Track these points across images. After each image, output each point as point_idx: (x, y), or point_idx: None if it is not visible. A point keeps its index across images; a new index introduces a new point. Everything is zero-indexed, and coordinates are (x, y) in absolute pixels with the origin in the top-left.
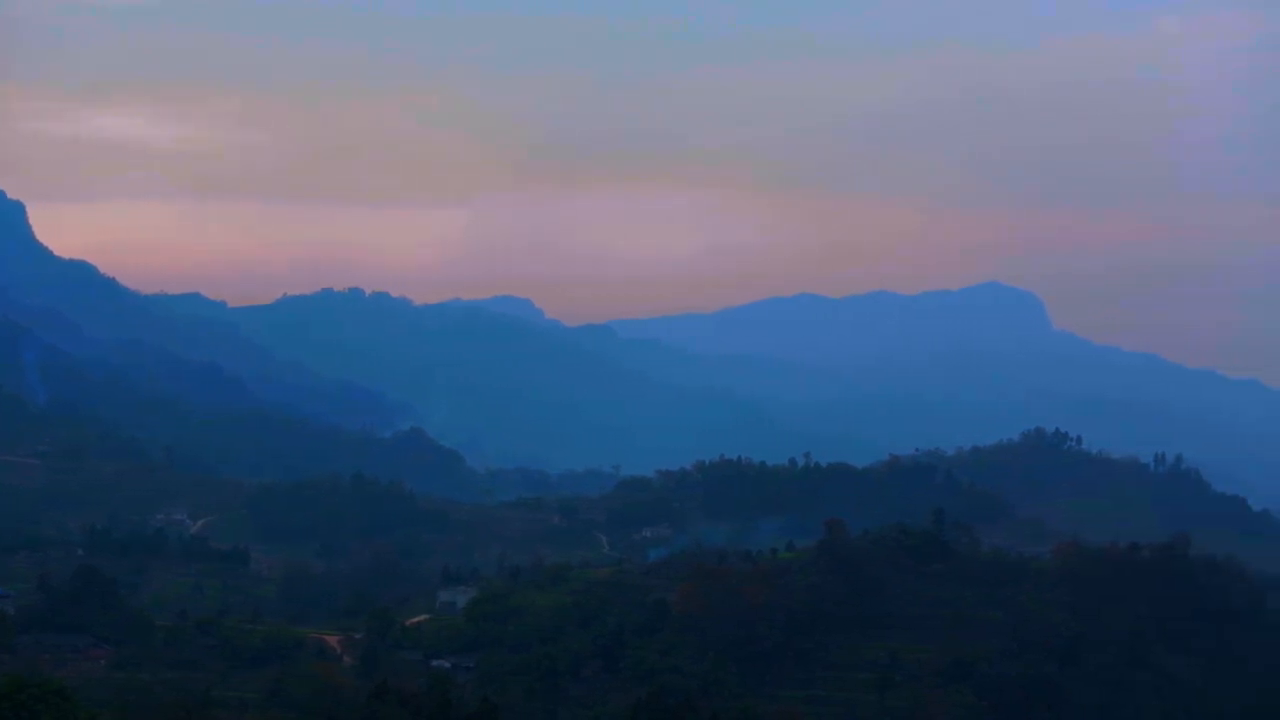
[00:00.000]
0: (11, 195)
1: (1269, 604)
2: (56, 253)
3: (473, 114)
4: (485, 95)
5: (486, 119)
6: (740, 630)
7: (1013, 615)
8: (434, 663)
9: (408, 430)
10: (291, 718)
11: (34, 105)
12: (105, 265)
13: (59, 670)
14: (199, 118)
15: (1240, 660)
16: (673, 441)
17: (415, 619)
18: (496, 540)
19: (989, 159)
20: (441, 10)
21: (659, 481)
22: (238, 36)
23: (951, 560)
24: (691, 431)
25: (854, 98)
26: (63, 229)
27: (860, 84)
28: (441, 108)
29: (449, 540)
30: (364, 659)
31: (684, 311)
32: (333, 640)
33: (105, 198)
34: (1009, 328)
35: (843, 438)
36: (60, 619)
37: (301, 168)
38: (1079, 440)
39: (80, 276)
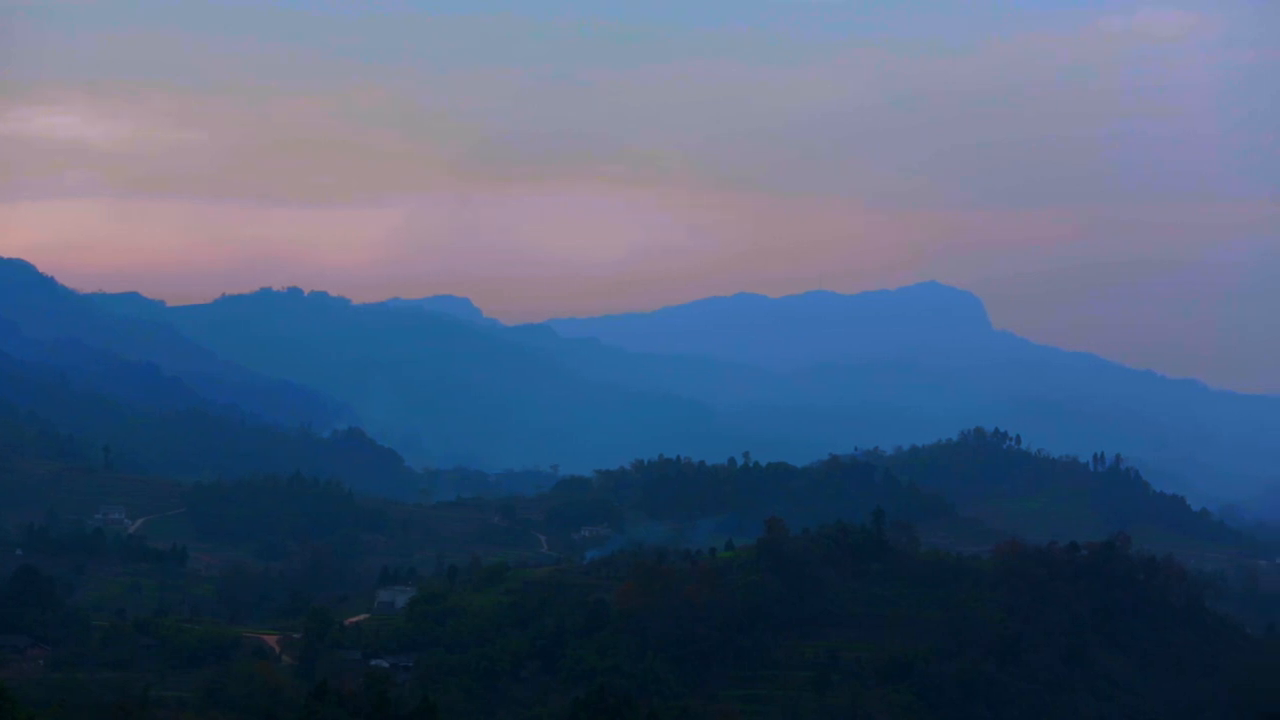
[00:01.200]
0: None
1: (1207, 603)
2: None
3: (411, 114)
4: (424, 95)
5: (425, 119)
6: (679, 629)
7: (952, 614)
8: (373, 662)
9: (346, 430)
10: (230, 717)
11: None
12: (43, 265)
13: None
14: (137, 117)
15: (1178, 659)
16: (612, 441)
17: (354, 618)
18: (435, 540)
19: (928, 159)
20: (380, 10)
21: (598, 481)
22: (176, 36)
23: (891, 559)
24: (631, 431)
25: (793, 98)
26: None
27: (799, 84)
28: (380, 107)
29: (387, 540)
30: (302, 658)
31: (622, 311)
32: (271, 640)
33: (43, 197)
34: (948, 328)
35: (782, 438)
36: None
37: (240, 167)
38: (1018, 440)
39: (18, 276)
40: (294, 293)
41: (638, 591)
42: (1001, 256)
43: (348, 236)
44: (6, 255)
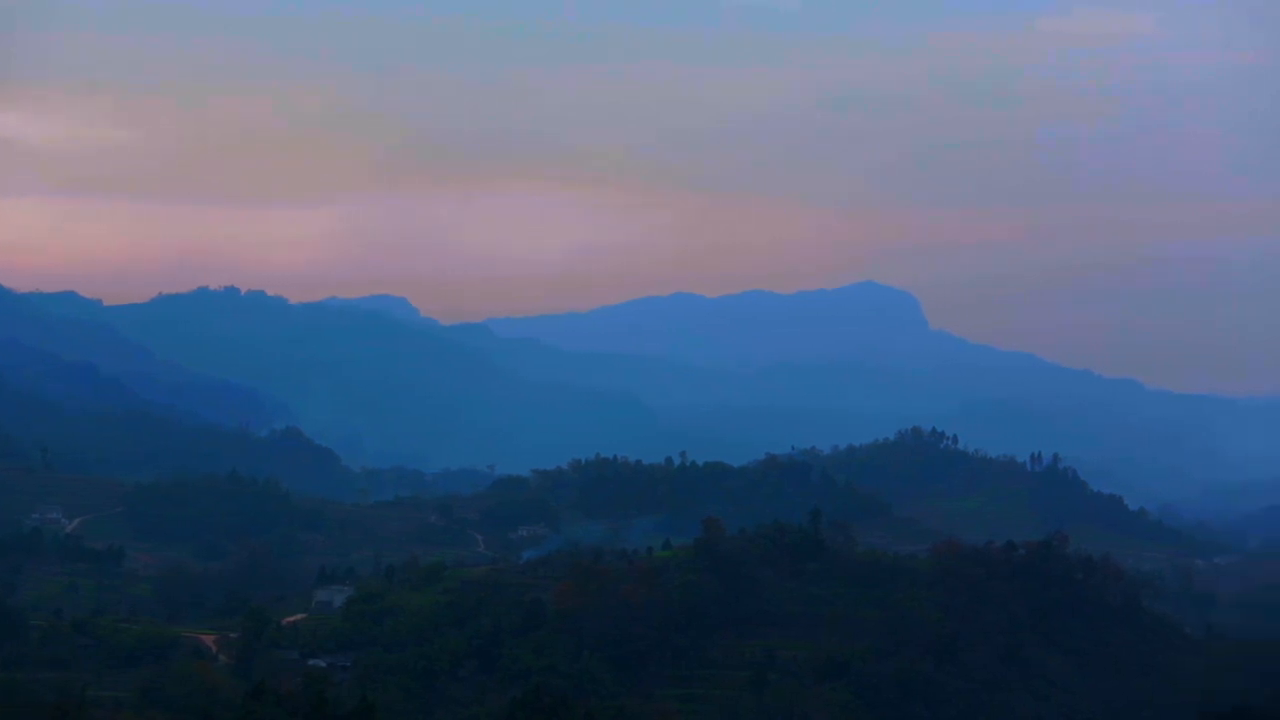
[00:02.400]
0: None
1: (1144, 603)
2: None
3: (347, 114)
4: (360, 95)
5: (361, 119)
6: (617, 629)
7: (889, 614)
8: (310, 662)
9: (284, 429)
10: (167, 717)
11: None
12: None
13: None
14: (73, 116)
15: (1115, 659)
16: (550, 440)
17: (292, 618)
18: (372, 539)
19: (866, 159)
20: (317, 10)
21: (535, 480)
22: (112, 35)
23: (828, 559)
24: (568, 430)
25: (730, 98)
26: None
27: (737, 84)
28: (317, 107)
29: (325, 539)
30: (240, 658)
31: (560, 311)
32: (208, 639)
33: None
34: (886, 327)
35: (719, 437)
36: None
37: (177, 167)
38: (955, 439)
39: None
40: (231, 292)
41: (575, 591)
42: (939, 257)
43: (285, 236)
44: None
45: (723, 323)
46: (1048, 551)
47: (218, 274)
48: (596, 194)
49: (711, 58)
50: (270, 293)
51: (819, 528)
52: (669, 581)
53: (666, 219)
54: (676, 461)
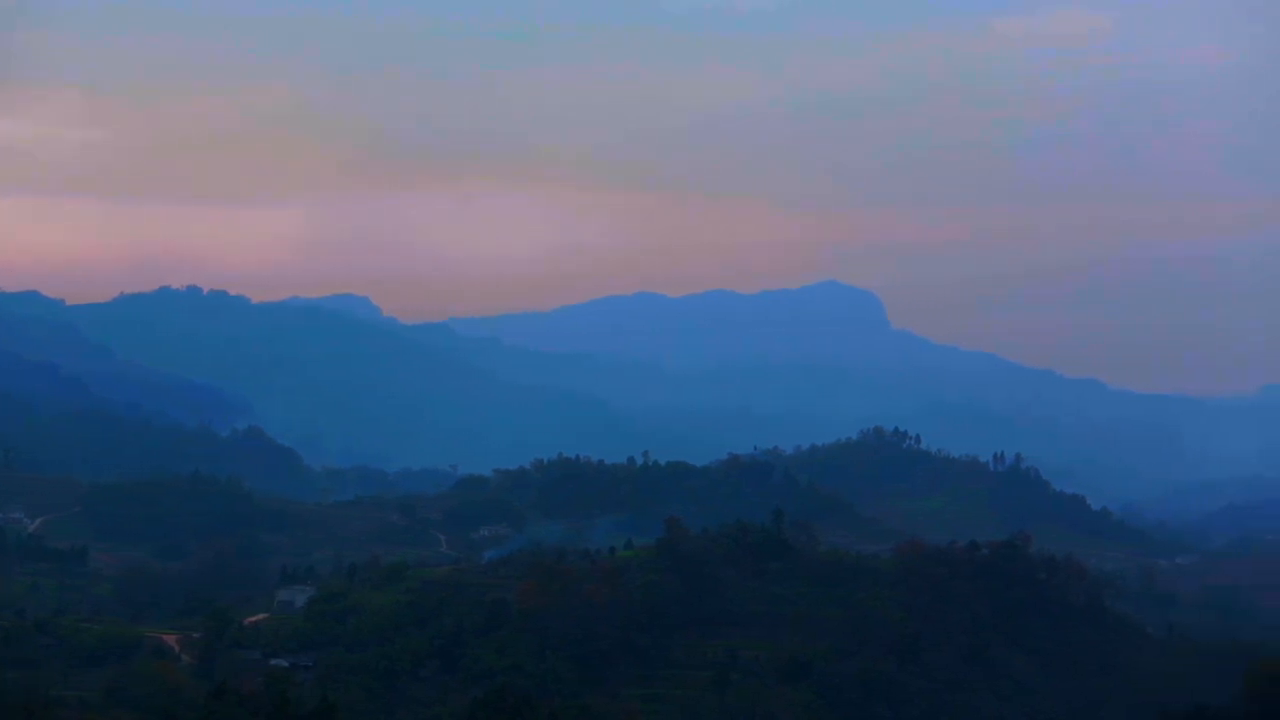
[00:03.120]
0: None
1: (1107, 602)
2: None
3: (310, 113)
4: (322, 94)
5: (323, 118)
6: (579, 629)
7: (852, 613)
8: (272, 661)
9: (246, 429)
10: (130, 717)
11: None
12: None
13: None
14: (35, 116)
15: (1078, 658)
16: (513, 440)
17: (254, 618)
18: (334, 539)
19: (828, 159)
20: (280, 9)
21: (497, 480)
22: (74, 35)
23: (790, 559)
24: (531, 430)
25: (693, 98)
26: None
27: (700, 84)
28: (279, 106)
29: (287, 539)
30: (202, 658)
31: (522, 310)
32: (171, 639)
33: None
34: (848, 327)
35: (682, 437)
36: None
37: (139, 166)
38: (918, 439)
39: None
40: (193, 291)
41: (537, 591)
42: (902, 257)
43: (247, 235)
44: None
45: (685, 323)
46: (1010, 551)
47: (180, 273)
48: (559, 194)
49: (675, 58)
50: (232, 292)
51: (782, 527)
52: (632, 581)
53: (629, 219)
54: (639, 461)
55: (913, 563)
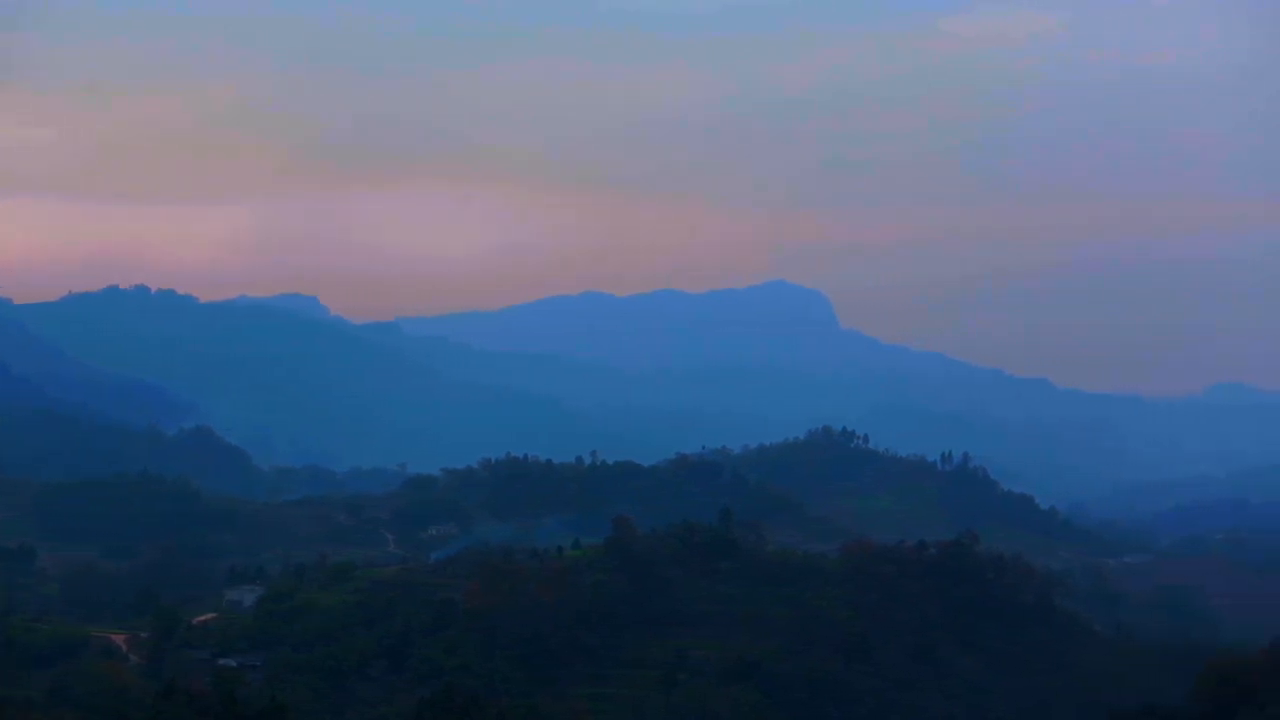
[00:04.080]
0: None
1: (1055, 601)
2: None
3: (257, 112)
4: (269, 93)
5: (270, 117)
6: (527, 628)
7: (800, 613)
8: (220, 661)
9: (194, 428)
10: (78, 717)
11: None
12: None
13: None
14: None
15: (1026, 657)
16: (461, 439)
17: (202, 618)
18: (283, 539)
19: (777, 158)
20: (225, 10)
21: (445, 480)
22: (18, 34)
23: (738, 558)
24: (480, 430)
25: (641, 97)
26: None
27: (647, 83)
28: (226, 106)
29: (236, 539)
30: (150, 658)
31: (470, 309)
32: (119, 639)
33: None
34: (797, 327)
35: (631, 437)
36: None
37: (87, 165)
38: (866, 439)
39: None
40: (141, 290)
41: (485, 590)
42: (850, 257)
43: (195, 234)
44: None
45: (633, 322)
46: (959, 550)
47: (128, 272)
48: (507, 193)
49: (621, 58)
50: (180, 291)
51: (730, 527)
52: (580, 581)
53: (576, 218)
54: (587, 461)
55: (861, 562)
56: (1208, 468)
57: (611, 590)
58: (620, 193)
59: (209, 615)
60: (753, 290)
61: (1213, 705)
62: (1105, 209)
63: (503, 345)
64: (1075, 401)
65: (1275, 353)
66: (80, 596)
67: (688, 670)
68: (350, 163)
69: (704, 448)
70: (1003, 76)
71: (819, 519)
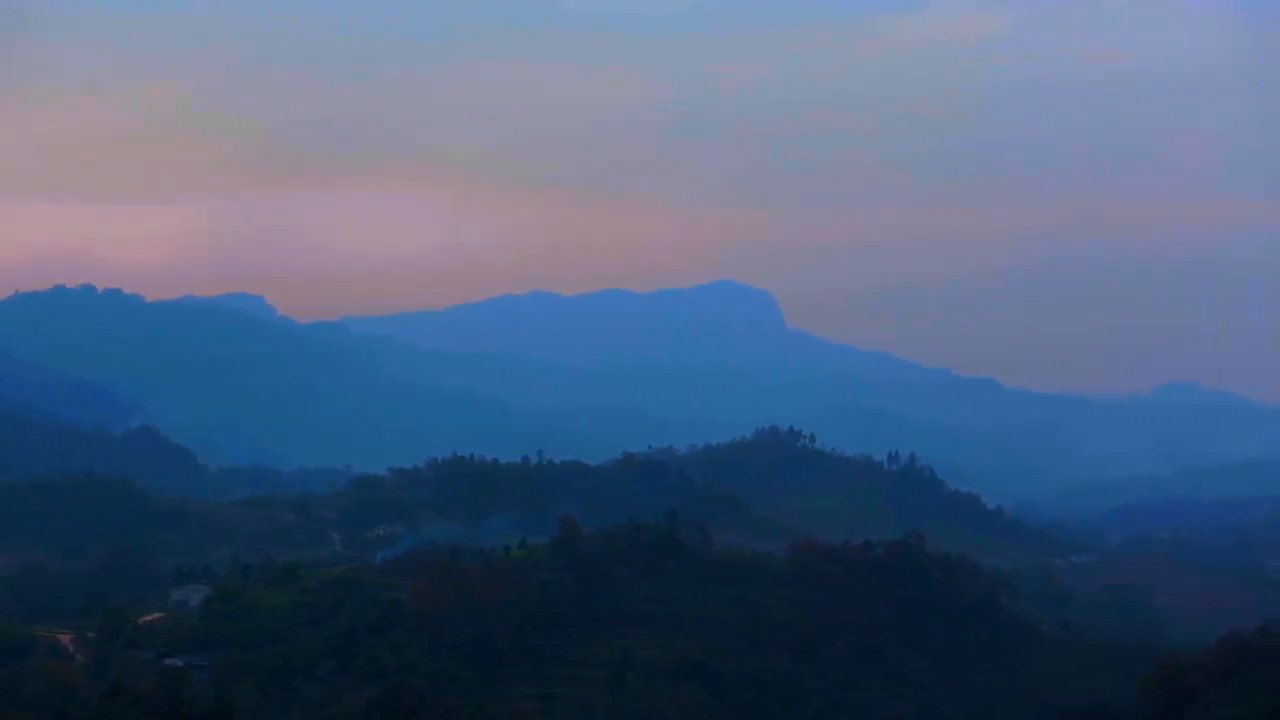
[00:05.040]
0: None
1: (1002, 601)
2: None
3: (203, 112)
4: (216, 93)
5: (216, 117)
6: (474, 628)
7: (746, 612)
8: (167, 661)
9: (140, 428)
10: (24, 717)
11: None
12: None
13: None
14: None
15: (973, 657)
16: (408, 439)
17: (149, 618)
18: (229, 538)
19: (724, 159)
20: (171, 9)
21: (391, 479)
22: None
23: (685, 558)
24: (427, 429)
25: (586, 98)
26: None
27: (592, 84)
28: (172, 105)
29: (182, 539)
30: (97, 658)
31: (416, 309)
32: (66, 639)
33: None
34: (743, 326)
35: (578, 437)
36: None
37: (33, 164)
38: (813, 438)
39: None
40: (88, 290)
41: (432, 590)
42: (797, 257)
43: (141, 234)
44: None
45: (580, 322)
46: (905, 550)
47: (75, 272)
48: (452, 192)
49: (567, 58)
50: (127, 290)
51: (676, 526)
52: (526, 581)
53: (523, 217)
54: (533, 460)
55: (808, 561)
56: (1155, 467)
57: (558, 590)
58: (567, 192)
59: (156, 615)
60: (700, 290)
61: (1159, 705)
62: (1053, 210)
63: (450, 345)
64: (1023, 401)
65: (1222, 353)
66: (28, 597)
67: (634, 670)
68: (298, 163)
69: (650, 447)
70: (952, 77)
71: (766, 519)
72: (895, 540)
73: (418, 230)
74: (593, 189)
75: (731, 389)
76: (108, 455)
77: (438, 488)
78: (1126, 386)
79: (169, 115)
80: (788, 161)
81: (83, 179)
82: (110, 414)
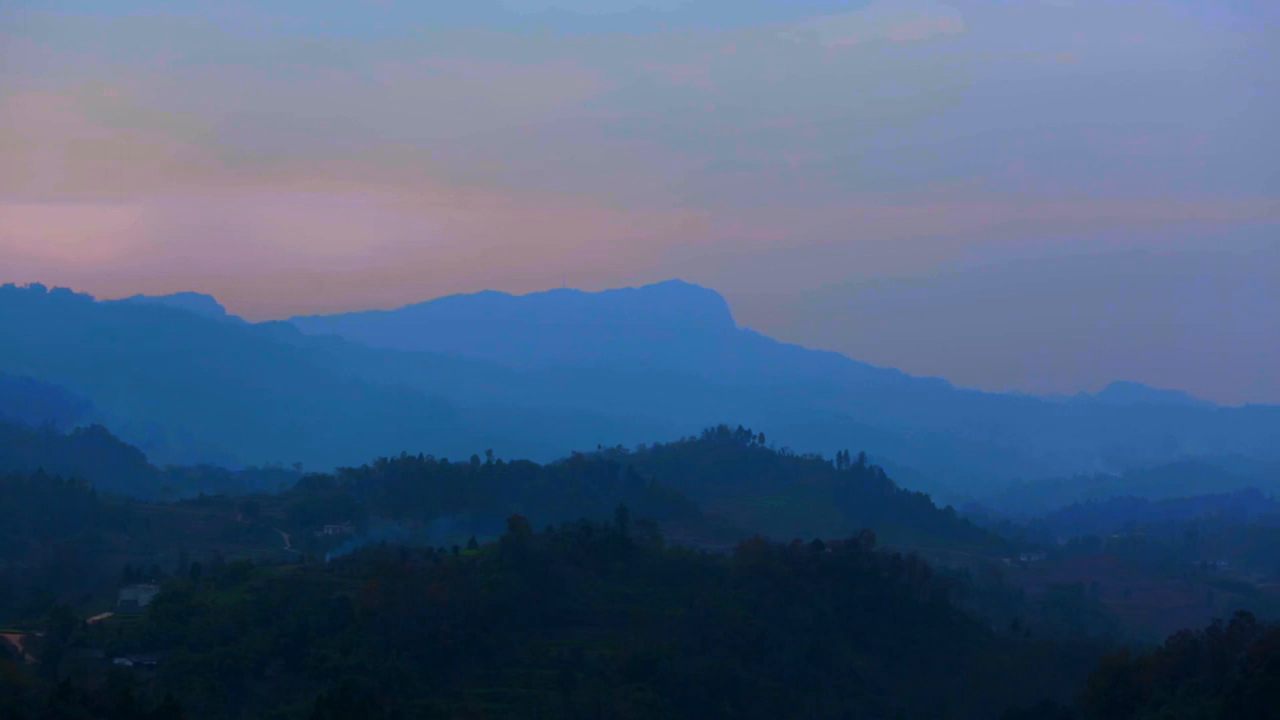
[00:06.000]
0: None
1: (951, 600)
2: None
3: (151, 111)
4: (164, 92)
5: (165, 117)
6: (423, 628)
7: (696, 612)
8: (116, 661)
9: (88, 428)
10: None
11: None
12: None
13: None
14: None
15: (923, 656)
16: (357, 438)
17: (97, 617)
18: (178, 538)
19: (672, 158)
20: (120, 9)
21: (340, 479)
22: None
23: (634, 557)
24: (375, 429)
25: (535, 97)
26: None
27: (541, 83)
28: (122, 104)
29: (131, 538)
30: (45, 657)
31: (365, 308)
32: (14, 639)
33: None
34: (692, 325)
35: (526, 437)
36: None
37: None
38: (761, 438)
39: None
40: (36, 289)
41: (380, 590)
42: (745, 257)
43: (90, 233)
44: None
45: (530, 321)
46: (854, 550)
47: (23, 271)
48: (403, 192)
49: (517, 57)
50: (76, 290)
51: (625, 526)
52: (476, 580)
53: (473, 217)
54: (482, 460)
55: (756, 561)
56: (1103, 467)
57: (507, 590)
58: (516, 192)
59: (104, 615)
60: (649, 290)
61: (1106, 704)
62: (1002, 210)
63: (399, 344)
64: (972, 401)
65: (1170, 352)
66: None
67: (585, 669)
68: (247, 163)
69: (600, 447)
70: (898, 77)
71: (715, 518)
72: (844, 540)
73: (369, 230)
74: (542, 188)
75: (680, 388)
76: (56, 455)
77: (387, 487)
78: (1076, 386)
79: (118, 115)
80: (735, 162)
81: (31, 178)
82: (58, 414)
